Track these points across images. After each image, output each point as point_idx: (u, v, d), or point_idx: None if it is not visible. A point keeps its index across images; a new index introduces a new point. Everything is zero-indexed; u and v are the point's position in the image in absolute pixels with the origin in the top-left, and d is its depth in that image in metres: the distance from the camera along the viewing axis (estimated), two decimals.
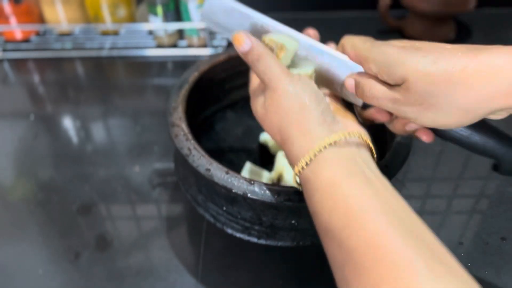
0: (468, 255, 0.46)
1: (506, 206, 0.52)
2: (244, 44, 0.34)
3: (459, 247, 0.47)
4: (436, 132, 0.37)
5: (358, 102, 0.37)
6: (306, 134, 0.32)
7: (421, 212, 0.51)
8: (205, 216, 0.44)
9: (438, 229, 0.49)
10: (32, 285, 0.44)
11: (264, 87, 0.35)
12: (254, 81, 0.39)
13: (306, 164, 0.31)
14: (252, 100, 0.37)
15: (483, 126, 0.35)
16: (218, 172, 0.38)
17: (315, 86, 0.34)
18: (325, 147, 0.30)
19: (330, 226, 0.28)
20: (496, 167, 0.36)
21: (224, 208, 0.42)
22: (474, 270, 0.45)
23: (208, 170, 0.38)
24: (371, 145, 0.33)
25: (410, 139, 0.44)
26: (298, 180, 0.33)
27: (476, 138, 0.35)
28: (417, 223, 0.27)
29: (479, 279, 0.44)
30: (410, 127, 0.36)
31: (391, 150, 0.42)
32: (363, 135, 0.33)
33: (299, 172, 0.31)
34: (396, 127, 0.37)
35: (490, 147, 0.35)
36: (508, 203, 0.52)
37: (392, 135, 0.44)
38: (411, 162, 0.57)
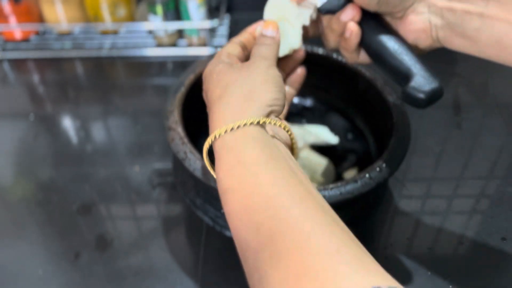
0: (469, 255, 0.46)
1: (507, 206, 0.52)
2: (270, 30, 0.38)
3: (460, 247, 0.47)
4: (363, 40, 0.38)
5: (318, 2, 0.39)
6: (246, 102, 0.31)
7: (421, 212, 0.51)
8: (203, 219, 0.44)
9: (438, 229, 0.49)
10: (32, 285, 0.44)
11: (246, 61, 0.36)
12: (232, 49, 0.39)
13: (232, 129, 0.29)
14: (216, 58, 0.37)
15: (405, 44, 0.37)
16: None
17: (286, 87, 0.36)
18: (258, 123, 0.30)
19: (250, 206, 0.26)
20: (404, 94, 0.35)
21: (223, 211, 0.42)
22: (474, 270, 0.45)
23: (205, 174, 0.38)
24: (295, 146, 0.34)
25: (408, 137, 0.44)
26: (207, 147, 0.32)
27: (397, 49, 0.37)
28: (337, 217, 0.27)
29: (479, 279, 0.45)
30: (347, 15, 0.38)
31: (389, 148, 0.42)
32: (293, 135, 0.33)
33: (219, 135, 0.30)
34: (333, 25, 0.39)
35: (407, 62, 0.36)
36: (509, 203, 0.52)
37: (391, 132, 0.44)
38: (411, 162, 0.57)
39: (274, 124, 0.31)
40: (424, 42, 0.37)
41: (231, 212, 0.28)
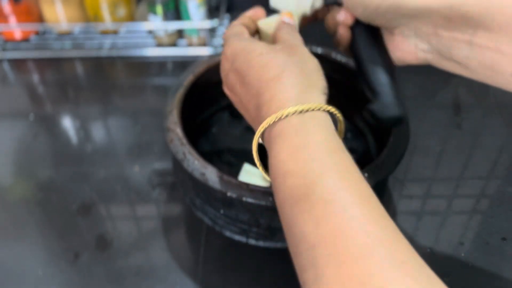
0: (469, 255, 0.46)
1: (507, 206, 0.52)
2: (289, 19, 0.38)
3: (460, 247, 0.47)
4: (351, 44, 0.39)
5: None
6: (309, 86, 0.30)
7: (422, 212, 0.51)
8: (203, 219, 0.44)
9: (438, 229, 0.49)
10: (32, 286, 0.44)
11: (276, 43, 0.35)
12: (241, 29, 0.38)
13: (301, 111, 0.28)
14: (235, 37, 0.36)
15: (387, 61, 0.37)
16: (213, 176, 0.38)
17: None
18: (324, 110, 0.29)
19: (311, 196, 0.25)
20: (365, 111, 0.35)
21: (222, 211, 0.42)
22: (474, 270, 0.45)
23: (203, 174, 0.38)
24: (341, 133, 0.34)
25: (407, 135, 0.44)
26: (261, 137, 0.31)
27: (376, 65, 0.36)
28: (384, 211, 0.26)
29: (480, 279, 0.44)
30: (340, 16, 0.38)
31: (388, 146, 0.42)
32: (343, 124, 0.34)
33: (285, 116, 0.28)
34: (329, 20, 0.40)
35: (379, 82, 0.35)
36: (509, 203, 0.52)
37: (390, 131, 0.44)
38: (411, 162, 0.57)
39: (334, 113, 0.31)
40: (411, 61, 0.37)
41: (287, 198, 0.26)
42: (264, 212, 0.40)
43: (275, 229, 0.41)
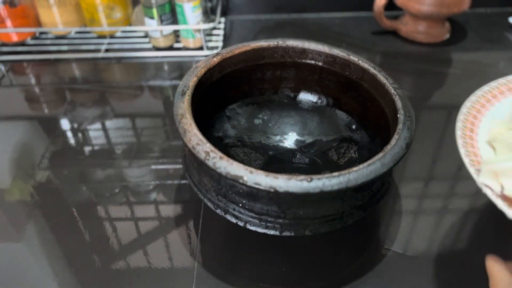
0: (466, 254, 0.47)
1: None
2: None
3: (458, 246, 0.48)
4: None
5: None
6: None
7: (418, 211, 0.51)
8: (226, 217, 0.43)
9: (436, 228, 0.50)
10: (30, 287, 0.44)
11: None
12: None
13: None
14: None
15: None
16: (242, 170, 0.38)
17: None
18: None
19: None
20: None
21: (244, 204, 0.42)
22: (473, 269, 0.46)
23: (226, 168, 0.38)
24: None
25: (408, 140, 0.44)
26: None
27: None
28: None
29: (478, 278, 0.45)
30: None
31: (387, 150, 0.42)
32: None
33: None
34: None
35: None
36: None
37: (395, 120, 0.44)
38: (407, 162, 0.58)
39: None
40: None
41: None
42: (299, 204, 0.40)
43: (300, 218, 0.41)
